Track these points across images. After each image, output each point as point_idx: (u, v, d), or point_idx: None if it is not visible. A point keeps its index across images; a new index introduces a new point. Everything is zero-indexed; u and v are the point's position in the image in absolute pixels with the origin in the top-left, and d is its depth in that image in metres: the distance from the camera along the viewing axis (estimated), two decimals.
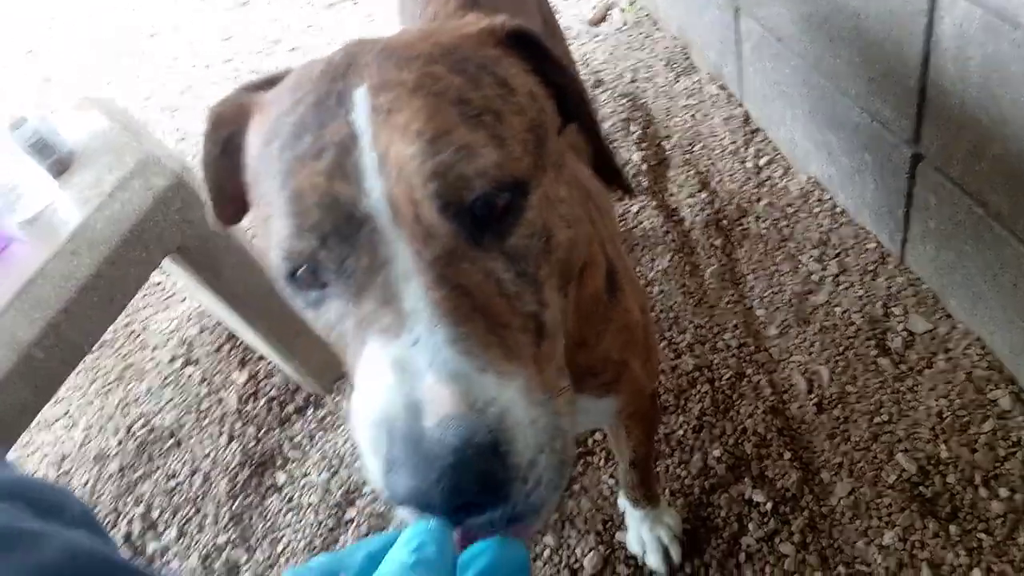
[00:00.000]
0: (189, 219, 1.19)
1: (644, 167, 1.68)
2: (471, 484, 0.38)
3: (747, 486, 1.24)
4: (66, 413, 1.75)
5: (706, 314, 1.44)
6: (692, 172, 1.65)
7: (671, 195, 1.64)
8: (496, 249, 0.47)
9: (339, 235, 0.45)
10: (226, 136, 0.57)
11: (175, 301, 1.89)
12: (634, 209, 1.62)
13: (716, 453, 1.28)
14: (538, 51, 0.55)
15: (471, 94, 0.48)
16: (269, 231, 0.48)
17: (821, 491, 1.21)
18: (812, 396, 1.30)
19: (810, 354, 1.34)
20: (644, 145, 1.73)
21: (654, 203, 1.62)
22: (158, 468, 1.57)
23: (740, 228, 1.55)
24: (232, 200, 0.59)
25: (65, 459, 1.64)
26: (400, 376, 0.40)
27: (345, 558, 0.40)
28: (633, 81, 1.89)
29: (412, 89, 0.47)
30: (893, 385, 1.26)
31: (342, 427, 1.55)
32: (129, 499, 1.53)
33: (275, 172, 0.48)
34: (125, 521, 1.50)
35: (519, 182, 0.47)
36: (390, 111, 0.46)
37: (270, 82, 0.57)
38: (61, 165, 1.16)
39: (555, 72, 0.55)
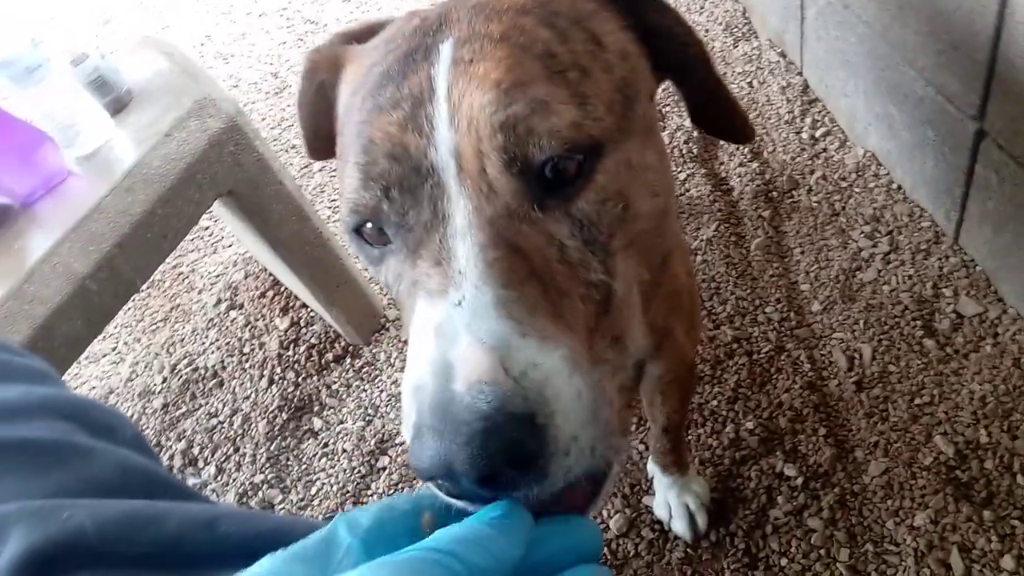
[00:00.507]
0: (241, 163, 1.21)
1: (695, 134, 1.66)
2: (500, 454, 0.34)
3: (779, 460, 1.24)
4: (114, 349, 1.81)
5: (748, 286, 1.42)
6: None
7: (721, 164, 1.61)
8: (561, 213, 0.44)
9: (403, 187, 0.44)
10: (320, 81, 0.58)
11: (222, 246, 1.93)
12: (681, 176, 1.59)
13: (749, 425, 1.28)
14: (637, 3, 0.52)
15: (558, 48, 0.46)
16: (343, 181, 0.48)
17: (854, 469, 1.20)
18: (852, 374, 1.28)
19: (853, 332, 1.32)
20: None
21: (703, 171, 1.59)
22: (200, 407, 1.62)
23: (790, 200, 1.52)
24: (327, 139, 0.59)
25: (111, 393, 1.69)
26: (438, 340, 0.38)
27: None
28: None
29: (497, 40, 0.45)
30: (937, 367, 1.24)
31: (378, 378, 1.58)
32: (171, 435, 1.59)
33: (355, 122, 0.48)
34: (167, 456, 1.55)
35: (595, 144, 0.45)
36: (471, 61, 0.45)
37: (369, 31, 0.57)
38: (119, 103, 1.18)
39: (659, 17, 0.53)
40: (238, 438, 1.55)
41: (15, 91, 1.07)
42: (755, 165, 1.57)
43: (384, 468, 1.45)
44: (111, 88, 1.17)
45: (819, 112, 1.62)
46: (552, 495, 0.37)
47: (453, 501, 0.37)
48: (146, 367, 1.71)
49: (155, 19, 2.68)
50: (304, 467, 1.49)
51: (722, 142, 1.63)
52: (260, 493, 1.46)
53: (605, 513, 1.25)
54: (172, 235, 1.14)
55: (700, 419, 1.30)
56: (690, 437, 1.28)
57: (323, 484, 1.45)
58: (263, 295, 1.76)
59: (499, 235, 0.42)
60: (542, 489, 0.37)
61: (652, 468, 1.22)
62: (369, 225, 0.47)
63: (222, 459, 1.53)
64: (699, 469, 1.25)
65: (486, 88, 0.43)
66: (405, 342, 1.59)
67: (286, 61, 2.30)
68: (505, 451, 0.34)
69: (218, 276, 1.85)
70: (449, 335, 0.38)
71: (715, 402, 1.31)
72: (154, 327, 1.81)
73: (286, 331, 1.68)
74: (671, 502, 1.19)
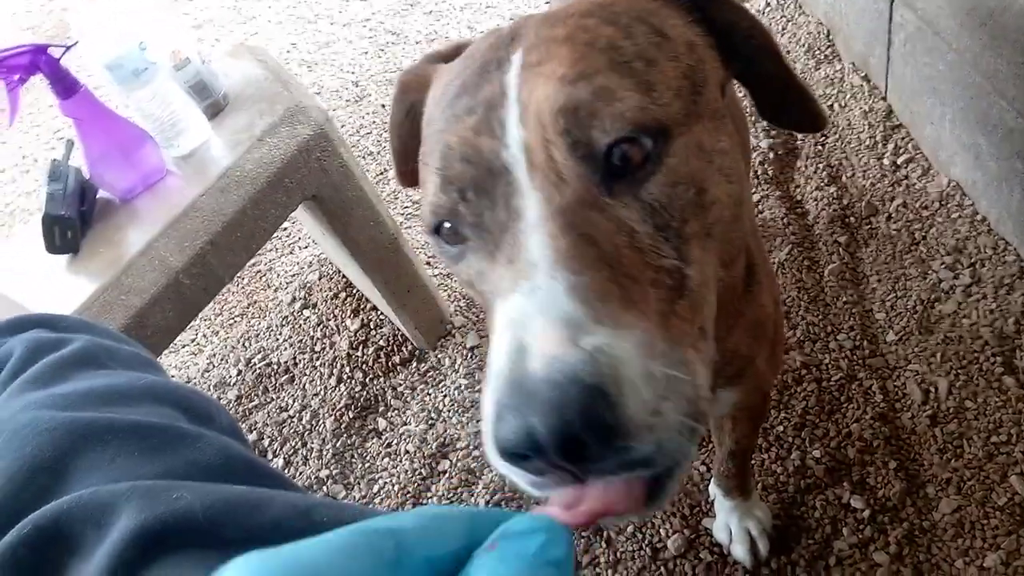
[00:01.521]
0: (326, 168, 1.26)
1: (771, 155, 1.64)
2: (577, 419, 0.35)
3: (846, 491, 1.21)
4: (193, 340, 1.89)
5: (820, 312, 1.40)
6: (823, 164, 1.60)
7: (797, 186, 1.59)
8: (631, 198, 0.45)
9: (478, 188, 0.46)
10: (410, 103, 0.60)
11: (299, 247, 1.99)
12: (755, 198, 1.58)
13: (816, 454, 1.26)
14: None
15: (623, 42, 0.47)
16: (424, 187, 0.50)
17: (924, 505, 1.17)
18: (926, 408, 1.25)
19: (929, 365, 1.29)
20: (774, 133, 1.67)
21: (777, 193, 1.57)
22: (271, 400, 1.68)
23: (868, 227, 1.49)
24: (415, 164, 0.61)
25: (189, 383, 1.77)
26: (513, 329, 0.39)
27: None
28: None
29: (562, 40, 0.47)
30: (1016, 406, 1.20)
31: (442, 383, 1.61)
32: (244, 426, 1.65)
33: (434, 131, 0.50)
34: None
35: (661, 127, 0.45)
36: (539, 63, 0.46)
37: (456, 51, 0.59)
38: (216, 107, 1.24)
39: (721, 10, 0.53)
40: (306, 433, 1.60)
41: (121, 92, 1.14)
42: (833, 189, 1.55)
43: (444, 472, 1.48)
44: (210, 92, 1.23)
45: (902, 138, 1.59)
46: (636, 469, 0.37)
47: (535, 491, 0.38)
48: (223, 359, 1.78)
49: (243, 26, 2.80)
50: (367, 465, 1.52)
51: (799, 165, 1.60)
52: (325, 488, 1.50)
53: (663, 532, 1.25)
54: (259, 235, 1.19)
55: (765, 444, 1.28)
56: (754, 462, 1.27)
57: (385, 483, 1.48)
58: (336, 296, 1.81)
59: (569, 223, 0.42)
60: (626, 459, 0.37)
61: (714, 491, 1.21)
62: (447, 225, 0.48)
63: (290, 452, 1.58)
64: (762, 495, 1.23)
65: (551, 82, 0.45)
66: (470, 349, 1.62)
67: (367, 70, 2.36)
68: (582, 417, 0.35)
69: (294, 276, 1.91)
70: (523, 322, 0.39)
71: (781, 428, 1.29)
72: (232, 322, 1.88)
73: (356, 332, 1.72)
74: (732, 526, 1.18)
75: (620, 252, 0.43)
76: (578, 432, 0.35)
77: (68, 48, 1.06)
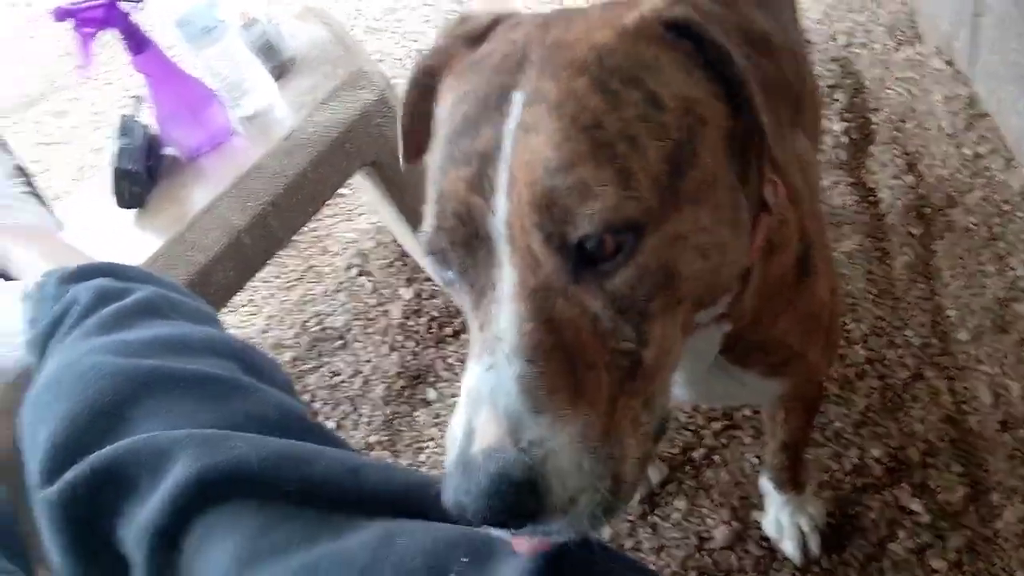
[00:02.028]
0: (386, 135, 1.25)
1: (844, 140, 1.57)
2: (503, 509, 0.42)
3: (905, 492, 1.17)
4: (251, 300, 1.93)
5: (888, 306, 1.34)
6: (899, 151, 1.53)
7: (870, 173, 1.52)
8: (596, 287, 0.46)
9: (465, 247, 0.48)
10: (425, 86, 0.59)
11: (356, 214, 2.00)
12: (825, 183, 1.52)
13: (876, 453, 1.21)
14: (705, 40, 0.49)
15: (607, 117, 0.46)
16: (428, 200, 0.51)
17: (988, 513, 1.12)
18: (996, 412, 1.19)
19: (1002, 366, 1.23)
20: (849, 116, 1.61)
21: (849, 179, 1.51)
22: (325, 364, 1.70)
23: (944, 219, 1.42)
24: (418, 144, 0.61)
25: (248, 341, 1.80)
26: (468, 401, 0.44)
27: None
28: (847, 46, 1.76)
29: (553, 106, 0.46)
30: None
31: None
32: (297, 388, 1.67)
33: (438, 157, 0.50)
34: None
35: (634, 224, 0.46)
36: (528, 130, 0.46)
37: (484, 30, 0.57)
38: (282, 69, 1.25)
39: (727, 66, 0.49)
40: (357, 398, 1.62)
41: (190, 49, 1.15)
42: (909, 178, 1.48)
43: None
44: (276, 54, 1.24)
45: (986, 127, 1.51)
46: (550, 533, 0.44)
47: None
48: (280, 321, 1.81)
49: None
50: (415, 434, 1.53)
51: (873, 151, 1.54)
52: (373, 453, 1.52)
53: (711, 522, 1.23)
54: (319, 198, 1.19)
55: (822, 439, 1.24)
56: (810, 457, 1.23)
57: (431, 453, 1.49)
58: (391, 264, 1.81)
59: (536, 308, 0.45)
60: (539, 531, 0.44)
61: (765, 484, 1.18)
62: (439, 258, 0.51)
63: (341, 416, 1.60)
64: (816, 491, 1.20)
65: (536, 165, 0.45)
66: None
67: (430, 39, 2.35)
68: (506, 508, 0.42)
69: (351, 242, 1.92)
70: (476, 401, 0.44)
71: (839, 424, 1.25)
72: (289, 285, 1.91)
73: (409, 301, 1.73)
74: (783, 521, 1.15)
75: (579, 338, 0.45)
76: (500, 515, 0.42)
77: (139, 2, 1.07)
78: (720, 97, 0.51)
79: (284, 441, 0.45)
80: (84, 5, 1.03)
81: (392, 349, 1.66)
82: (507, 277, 0.46)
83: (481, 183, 0.47)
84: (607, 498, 0.44)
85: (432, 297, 1.71)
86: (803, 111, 0.91)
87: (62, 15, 1.04)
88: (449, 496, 0.43)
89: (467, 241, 0.47)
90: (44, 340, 0.61)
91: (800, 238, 0.72)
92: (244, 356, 0.58)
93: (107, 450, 0.44)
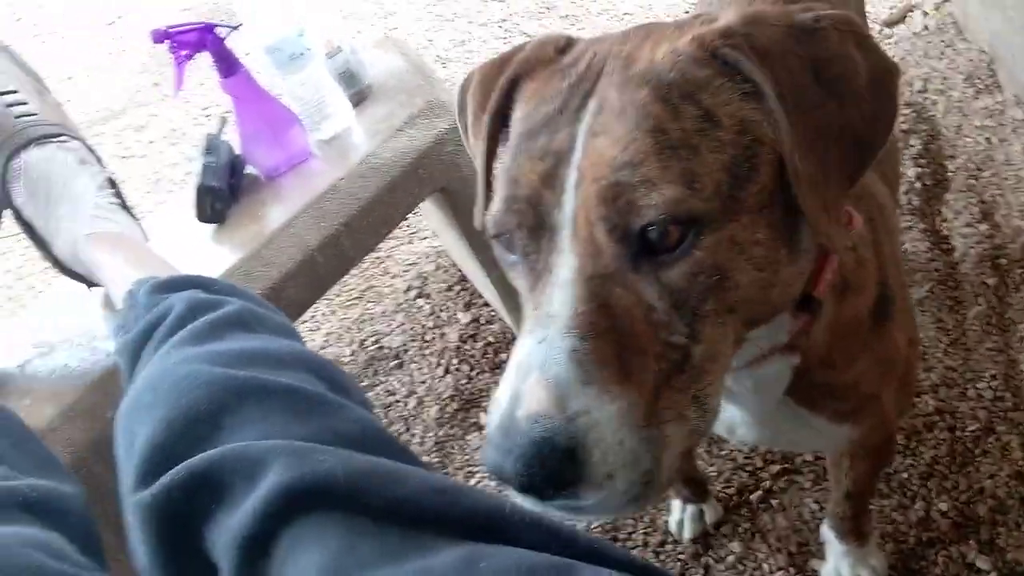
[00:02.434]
0: (457, 162, 1.28)
1: (918, 185, 1.55)
2: (542, 474, 0.43)
3: (972, 549, 1.13)
4: (312, 317, 1.97)
5: (960, 356, 1.31)
6: (975, 200, 1.49)
7: (944, 220, 1.49)
8: (654, 278, 0.48)
9: (531, 232, 0.51)
10: (516, 75, 0.61)
11: (418, 238, 2.04)
12: None
13: (942, 506, 1.18)
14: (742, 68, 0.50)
15: (669, 125, 0.48)
16: (497, 188, 0.54)
17: None
18: None
19: None
20: (923, 161, 1.58)
21: (922, 226, 1.48)
22: (380, 383, 1.72)
23: (1021, 271, 1.38)
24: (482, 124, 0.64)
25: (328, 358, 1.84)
26: (517, 372, 0.45)
27: None
28: (923, 91, 1.73)
29: (617, 113, 0.49)
30: None
31: None
32: None
33: (514, 152, 0.53)
34: None
35: (695, 220, 0.47)
36: (596, 134, 0.49)
37: (567, 45, 0.60)
38: (360, 96, 1.29)
39: (770, 94, 0.49)
40: (411, 419, 1.63)
41: (277, 75, 1.19)
42: (984, 227, 1.44)
43: None
44: (356, 81, 1.28)
45: None
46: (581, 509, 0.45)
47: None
48: (338, 339, 1.85)
49: (383, 20, 2.89)
50: (467, 458, 1.54)
51: (948, 198, 1.51)
52: None
53: (767, 567, 1.20)
54: (390, 221, 1.22)
55: (887, 490, 1.21)
56: (873, 507, 1.20)
57: (482, 478, 1.49)
58: (450, 288, 1.84)
59: (593, 292, 0.47)
60: (572, 504, 0.45)
61: (826, 532, 1.15)
62: (503, 240, 0.54)
63: (395, 435, 1.61)
64: (879, 543, 1.16)
65: (604, 164, 0.48)
66: None
67: None
68: (545, 473, 0.43)
69: (411, 265, 1.95)
70: (525, 370, 0.45)
71: (906, 475, 1.22)
72: (349, 303, 1.94)
73: (467, 325, 1.74)
74: (843, 572, 1.12)
75: (632, 325, 0.47)
76: (538, 480, 0.43)
77: (233, 28, 1.12)
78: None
79: (370, 458, 0.47)
80: (181, 28, 1.09)
81: (447, 372, 1.68)
82: (566, 263, 0.48)
83: (553, 178, 0.50)
84: (643, 481, 0.45)
85: (489, 323, 1.73)
86: (880, 160, 0.91)
87: (159, 37, 1.09)
88: (489, 458, 0.44)
89: (533, 227, 0.50)
90: (136, 346, 0.64)
91: (879, 284, 0.71)
92: (327, 372, 0.59)
93: (204, 455, 0.46)
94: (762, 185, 0.50)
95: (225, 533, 0.45)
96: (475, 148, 0.67)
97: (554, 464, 0.42)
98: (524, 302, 0.52)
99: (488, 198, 0.66)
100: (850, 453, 0.95)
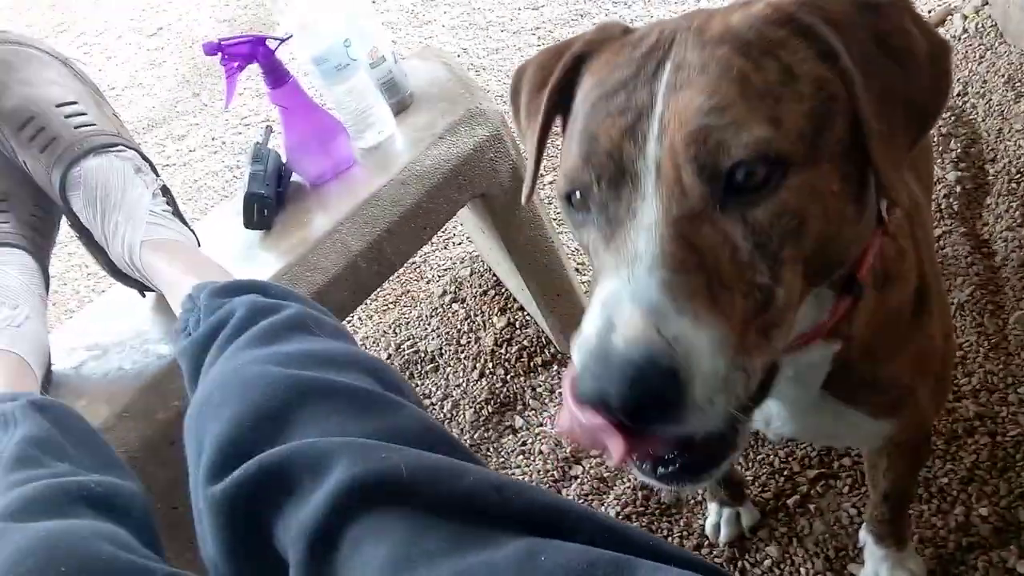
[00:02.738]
0: (497, 170, 1.30)
1: (958, 189, 1.54)
2: (645, 396, 0.42)
3: (1012, 555, 1.12)
4: (348, 321, 2.00)
5: (1001, 361, 1.30)
6: (1016, 204, 1.48)
7: (985, 224, 1.48)
8: (739, 216, 0.49)
9: (611, 181, 0.51)
10: (580, 55, 0.63)
11: (453, 243, 2.07)
12: (936, 232, 1.49)
13: (983, 511, 1.17)
14: (816, 32, 0.53)
15: (753, 75, 0.50)
16: (565, 157, 0.56)
17: None
18: None
19: None
20: (963, 165, 1.57)
21: (962, 229, 1.47)
22: (416, 386, 1.75)
23: None
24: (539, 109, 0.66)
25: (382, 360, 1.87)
26: (603, 307, 0.45)
27: None
28: (963, 95, 1.72)
29: (699, 69, 0.51)
30: None
31: None
32: None
33: (589, 113, 0.55)
34: None
35: (781, 160, 0.49)
36: (679, 88, 0.51)
37: (625, 31, 0.63)
38: (402, 104, 1.32)
39: (845, 57, 0.52)
40: (446, 422, 1.66)
41: (323, 84, 1.22)
42: None
43: (576, 477, 1.49)
44: (398, 90, 1.31)
45: None
46: (682, 442, 0.46)
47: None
48: (375, 342, 1.88)
49: (419, 30, 2.93)
50: (502, 461, 1.56)
51: (989, 202, 1.50)
52: None
53: (804, 571, 1.20)
54: (431, 227, 1.25)
55: (926, 495, 1.20)
56: (912, 512, 1.19)
57: (522, 477, 1.51)
58: (485, 293, 1.86)
59: (680, 232, 0.48)
60: (674, 430, 0.44)
61: (865, 536, 1.15)
62: (578, 194, 0.54)
63: None
64: (918, 548, 1.16)
65: (689, 112, 0.49)
66: None
67: None
68: (649, 395, 0.42)
69: (446, 270, 1.98)
70: (614, 303, 0.45)
71: (945, 480, 1.21)
72: (385, 308, 1.98)
73: (502, 330, 1.77)
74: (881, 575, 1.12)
75: (719, 263, 0.48)
76: (643, 405, 0.43)
77: (283, 40, 1.16)
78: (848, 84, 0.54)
79: (430, 454, 0.49)
80: (233, 40, 1.12)
81: (482, 376, 1.70)
82: (651, 207, 0.49)
83: (634, 131, 0.51)
84: (739, 412, 0.46)
85: (524, 327, 1.75)
86: (914, 158, 0.91)
87: (212, 49, 1.13)
88: (587, 387, 0.43)
89: (613, 177, 0.51)
90: (200, 349, 0.67)
91: (917, 275, 0.72)
92: (381, 373, 0.61)
93: (274, 451, 0.48)
94: (838, 136, 0.52)
95: (294, 526, 0.47)
96: (528, 127, 0.69)
97: (658, 385, 0.42)
98: (600, 256, 0.52)
99: (536, 174, 0.69)
100: (886, 453, 0.95)
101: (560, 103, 0.64)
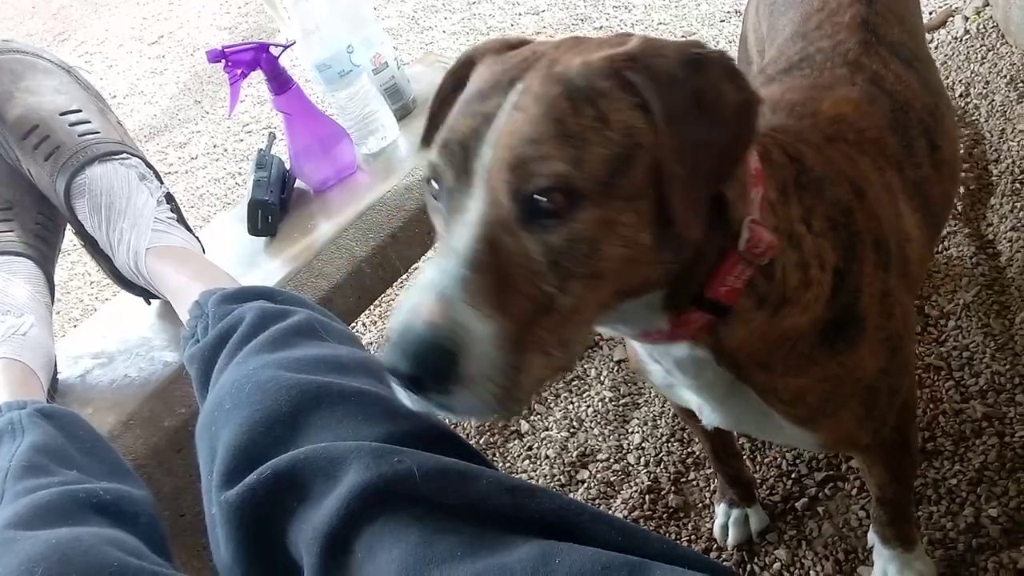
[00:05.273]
0: None
1: (962, 190, 1.54)
2: (426, 371, 0.51)
3: (1023, 555, 1.11)
4: (353, 326, 2.00)
5: (1008, 361, 1.29)
6: (1021, 204, 1.48)
7: (989, 225, 1.48)
8: (536, 236, 0.57)
9: (455, 170, 0.59)
10: (461, 76, 0.70)
11: None
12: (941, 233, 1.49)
13: (992, 512, 1.16)
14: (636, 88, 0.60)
15: (569, 119, 0.58)
16: (436, 138, 0.63)
17: None
18: None
19: None
20: (967, 166, 1.57)
21: (967, 230, 1.47)
22: None
23: None
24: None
25: None
26: (419, 286, 0.54)
27: None
28: (964, 96, 1.72)
29: (535, 99, 0.59)
30: None
31: (586, 392, 1.61)
32: None
33: (455, 111, 0.63)
34: None
35: (575, 193, 0.57)
36: (517, 109, 0.58)
37: (520, 43, 0.70)
38: (405, 110, 1.32)
39: (656, 112, 0.59)
40: (452, 426, 1.65)
41: (326, 91, 1.23)
42: None
43: (583, 481, 1.48)
44: (401, 96, 1.31)
45: None
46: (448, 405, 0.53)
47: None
48: (378, 348, 1.87)
49: (420, 36, 2.94)
50: (508, 465, 1.55)
51: (993, 202, 1.50)
52: None
53: (813, 574, 1.20)
54: (434, 232, 1.24)
55: (935, 496, 1.20)
56: (920, 514, 1.19)
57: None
58: None
59: (488, 235, 0.56)
60: (445, 399, 0.52)
61: (872, 537, 1.14)
62: (434, 182, 0.61)
63: None
64: (928, 549, 1.15)
65: (516, 135, 0.57)
66: (616, 362, 1.61)
67: None
68: (429, 369, 0.51)
69: None
70: (425, 287, 0.54)
71: (954, 481, 1.20)
72: (389, 313, 1.97)
73: None
74: None
75: (513, 268, 0.56)
76: (421, 375, 0.51)
77: (286, 47, 1.16)
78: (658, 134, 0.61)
79: (443, 458, 0.49)
80: (236, 47, 1.12)
81: None
82: (474, 207, 0.57)
83: (479, 132, 0.59)
84: (502, 392, 0.53)
85: None
86: (920, 183, 0.92)
87: (215, 57, 1.13)
88: (387, 356, 0.51)
89: (458, 168, 0.59)
90: (209, 354, 0.67)
91: (839, 309, 0.74)
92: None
93: (287, 456, 0.48)
94: (635, 180, 0.59)
95: (308, 530, 0.47)
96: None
97: (436, 362, 0.51)
98: (440, 238, 0.61)
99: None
100: (863, 461, 0.97)
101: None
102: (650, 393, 1.55)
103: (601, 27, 2.53)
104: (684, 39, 0.93)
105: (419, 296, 0.54)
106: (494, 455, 1.58)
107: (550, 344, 0.58)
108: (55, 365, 1.08)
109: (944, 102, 1.05)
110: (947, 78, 1.77)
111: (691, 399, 0.87)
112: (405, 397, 0.53)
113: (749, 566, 1.25)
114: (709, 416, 0.86)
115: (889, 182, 0.88)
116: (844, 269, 0.75)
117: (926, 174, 0.94)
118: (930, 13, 1.95)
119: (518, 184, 0.57)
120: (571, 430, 1.56)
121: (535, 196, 0.56)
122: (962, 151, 1.61)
